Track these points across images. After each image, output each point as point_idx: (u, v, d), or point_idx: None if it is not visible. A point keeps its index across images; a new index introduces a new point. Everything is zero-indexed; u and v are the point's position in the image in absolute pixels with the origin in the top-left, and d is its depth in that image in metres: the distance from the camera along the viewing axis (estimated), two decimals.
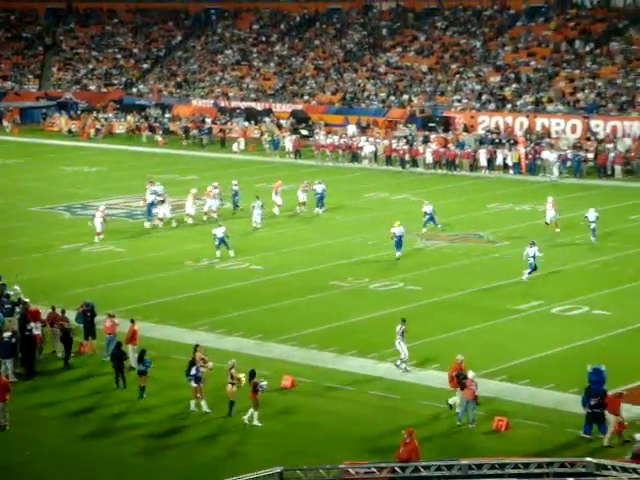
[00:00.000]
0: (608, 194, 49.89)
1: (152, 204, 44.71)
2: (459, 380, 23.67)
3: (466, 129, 64.61)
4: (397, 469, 18.90)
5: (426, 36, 79.02)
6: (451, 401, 23.97)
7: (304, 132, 68.52)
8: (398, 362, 26.73)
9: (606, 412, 22.36)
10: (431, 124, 65.81)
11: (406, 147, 59.62)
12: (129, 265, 38.36)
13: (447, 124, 65.99)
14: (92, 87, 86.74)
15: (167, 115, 77.07)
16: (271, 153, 64.62)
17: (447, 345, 28.45)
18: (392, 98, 72.13)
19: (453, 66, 73.72)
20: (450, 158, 57.77)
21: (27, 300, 29.62)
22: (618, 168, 54.50)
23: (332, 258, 38.54)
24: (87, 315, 29.04)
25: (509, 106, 66.76)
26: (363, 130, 66.67)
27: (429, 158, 58.20)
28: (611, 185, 52.28)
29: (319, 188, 46.81)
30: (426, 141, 61.48)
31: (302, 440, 23.10)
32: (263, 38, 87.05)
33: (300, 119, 71.30)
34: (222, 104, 77.29)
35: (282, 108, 74.77)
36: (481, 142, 60.97)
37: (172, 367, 27.22)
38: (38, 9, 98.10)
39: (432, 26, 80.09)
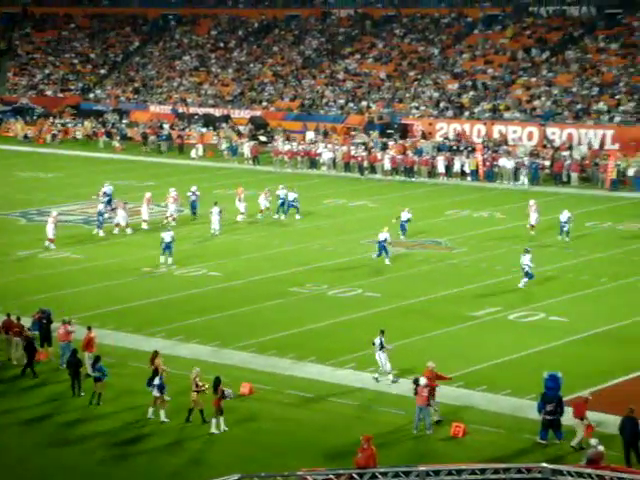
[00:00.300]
0: (564, 201, 50.28)
1: (101, 213, 44.44)
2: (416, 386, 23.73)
3: (424, 136, 64.92)
4: (355, 476, 18.89)
5: (384, 43, 79.33)
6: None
7: (263, 138, 68.51)
8: (376, 375, 26.46)
9: (574, 418, 22.46)
10: (389, 131, 66.08)
11: (364, 154, 59.80)
12: (86, 272, 38.08)
13: (405, 131, 66.28)
14: (48, 92, 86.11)
15: (125, 121, 76.70)
16: (229, 159, 64.53)
17: (405, 352, 28.50)
18: (351, 105, 72.33)
19: (411, 73, 74.07)
20: (408, 165, 58.01)
21: None
22: (574, 175, 55.00)
23: (291, 264, 38.53)
24: (43, 322, 28.78)
25: (467, 113, 67.18)
26: (325, 135, 66.77)
27: (387, 165, 58.42)
28: (567, 192, 52.77)
29: (282, 193, 46.83)
30: (384, 148, 61.72)
31: (261, 447, 23.05)
32: (221, 44, 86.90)
33: (259, 125, 71.28)
34: (180, 110, 77.07)
35: (240, 114, 74.68)
36: (439, 149, 61.30)
37: (129, 374, 27.08)
38: None
39: (390, 33, 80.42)
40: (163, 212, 46.64)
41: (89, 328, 27.72)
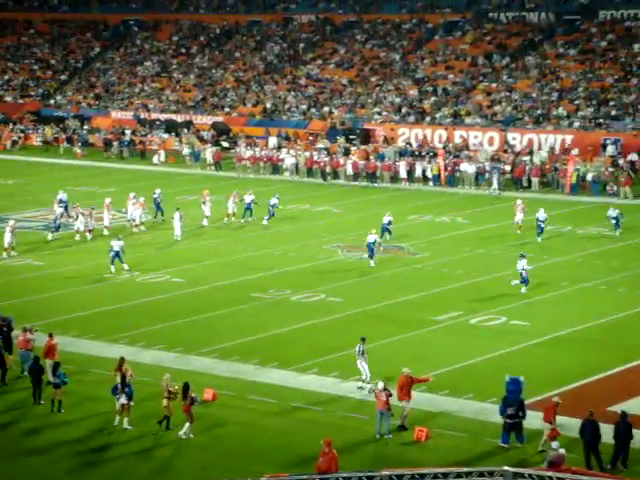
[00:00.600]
0: (526, 206, 50.64)
1: (57, 218, 44.40)
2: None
3: (386, 141, 65.18)
4: None
5: (346, 49, 79.56)
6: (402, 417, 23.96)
7: (225, 144, 68.47)
8: (360, 383, 26.36)
9: (543, 422, 22.59)
10: (351, 136, 66.29)
11: (327, 159, 59.94)
12: (47, 278, 37.86)
13: (367, 136, 66.51)
14: (8, 98, 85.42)
15: (86, 127, 76.32)
16: (192, 165, 64.42)
17: (368, 356, 28.59)
18: (313, 110, 72.46)
19: (373, 79, 74.33)
20: (371, 170, 58.22)
21: None
22: (535, 180, 55.45)
23: (254, 270, 38.54)
24: (3, 330, 28.56)
25: (428, 119, 67.53)
26: (290, 140, 66.87)
27: (350, 170, 58.60)
28: (528, 197, 53.10)
29: (248, 199, 46.84)
30: (347, 153, 61.91)
31: (225, 453, 23.03)
32: (183, 50, 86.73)
33: (221, 131, 71.23)
34: (142, 116, 76.80)
35: (203, 120, 74.56)
36: (401, 154, 61.56)
37: (91, 381, 26.97)
38: None
39: (352, 39, 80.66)
40: (125, 218, 46.51)
41: (50, 335, 27.56)
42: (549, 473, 17.92)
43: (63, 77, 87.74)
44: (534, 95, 66.73)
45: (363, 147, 63.45)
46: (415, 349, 29.48)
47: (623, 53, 68.28)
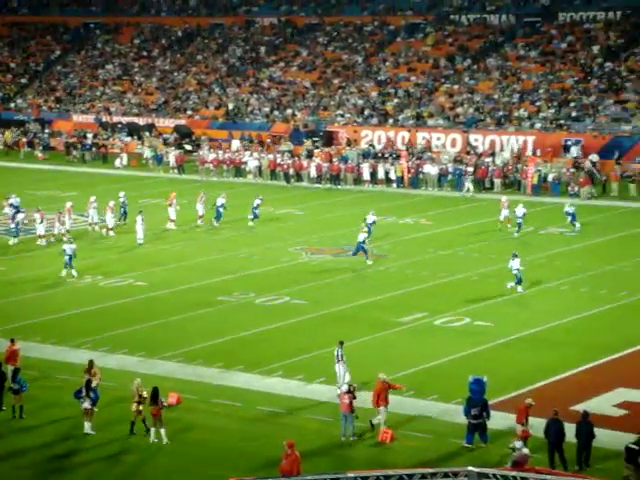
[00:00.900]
0: (487, 207, 50.99)
1: (18, 223, 44.10)
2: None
3: (349, 143, 65.28)
4: None
5: (308, 51, 79.61)
6: (375, 420, 23.84)
7: (188, 147, 68.28)
8: (338, 389, 26.01)
9: (516, 423, 22.63)
10: (315, 139, 66.32)
11: (290, 161, 59.94)
12: (9, 283, 37.54)
13: (330, 139, 66.58)
14: None
15: (47, 130, 75.80)
16: (154, 168, 64.19)
17: (333, 359, 28.61)
18: (276, 113, 72.42)
19: (335, 81, 74.44)
20: (334, 172, 58.28)
21: None
22: (497, 181, 55.77)
23: (218, 273, 38.44)
24: None
25: (391, 121, 67.71)
26: (260, 143, 66.84)
27: (313, 172, 58.63)
28: (490, 198, 53.43)
29: (219, 202, 46.92)
30: (310, 156, 61.95)
31: (189, 458, 22.93)
32: (144, 53, 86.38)
33: (183, 134, 71.03)
34: (104, 119, 76.40)
35: (165, 123, 74.30)
36: (364, 156, 61.68)
37: (54, 387, 26.75)
38: None
39: (314, 41, 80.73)
40: (87, 222, 46.28)
41: (12, 340, 27.32)
42: (513, 473, 17.99)
43: (23, 80, 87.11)
44: (496, 97, 67.14)
45: (326, 149, 63.53)
46: (379, 351, 29.51)
47: (583, 55, 68.89)
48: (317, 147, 64.40)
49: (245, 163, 61.19)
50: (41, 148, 70.82)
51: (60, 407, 25.34)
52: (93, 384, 24.36)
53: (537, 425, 22.72)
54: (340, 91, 72.94)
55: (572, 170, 55.60)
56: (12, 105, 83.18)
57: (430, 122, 66.37)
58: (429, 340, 30.54)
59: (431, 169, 56.95)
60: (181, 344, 30.18)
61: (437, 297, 35.00)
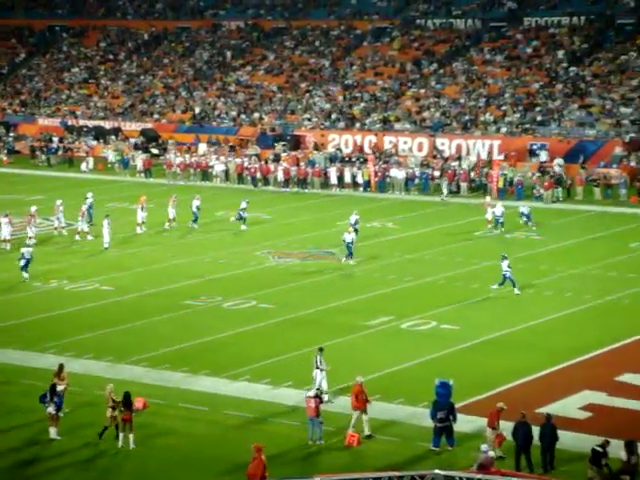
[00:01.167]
0: (455, 210, 51.28)
1: None
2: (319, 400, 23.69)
3: (316, 147, 65.36)
4: None
5: (275, 55, 79.64)
6: (366, 431, 23.67)
7: (155, 151, 68.08)
8: (326, 396, 25.86)
9: (487, 427, 22.70)
10: (282, 142, 66.34)
11: (257, 165, 59.91)
12: None
13: (298, 142, 66.63)
14: None
15: (12, 134, 75.29)
16: (121, 172, 63.94)
17: (300, 362, 28.66)
18: (243, 117, 72.36)
19: (302, 85, 74.51)
20: (301, 176, 58.32)
21: None
22: (464, 185, 56.03)
23: (184, 277, 38.35)
24: None
25: (358, 125, 67.87)
26: (220, 147, 66.73)
27: (280, 176, 58.64)
28: (457, 202, 53.71)
29: (195, 204, 46.93)
30: (277, 159, 61.96)
31: (156, 462, 22.86)
32: (110, 56, 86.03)
33: (150, 138, 70.80)
34: (70, 123, 76.01)
35: (131, 127, 74.03)
36: (331, 160, 61.76)
37: (19, 392, 26.55)
38: None
39: (281, 45, 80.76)
40: (52, 226, 46.03)
41: None
42: (479, 476, 18.15)
43: None
44: (462, 101, 67.48)
45: (293, 153, 63.57)
46: (346, 354, 29.55)
47: (548, 59, 69.39)
48: (285, 151, 64.37)
49: (212, 167, 61.10)
50: (6, 152, 70.34)
51: (26, 412, 25.15)
52: (59, 388, 24.21)
53: (505, 428, 22.83)
54: (307, 95, 73.02)
55: (537, 174, 55.96)
56: None
57: (397, 126, 66.58)
58: (396, 344, 30.63)
59: (398, 173, 57.13)
60: (147, 349, 30.08)
61: (404, 301, 35.11)
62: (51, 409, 23.88)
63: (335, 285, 37.38)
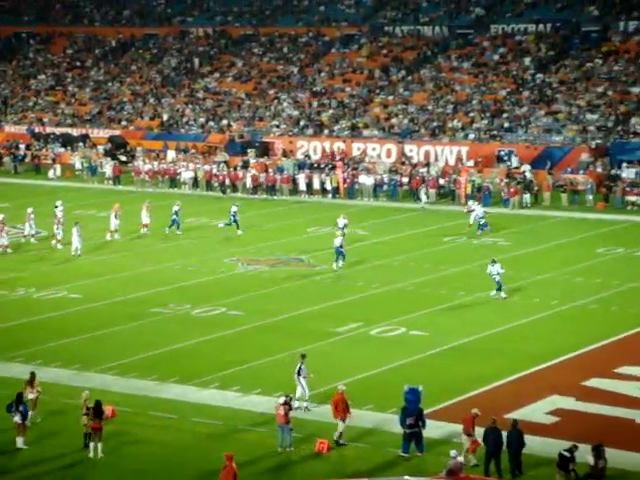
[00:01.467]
0: (423, 217, 51.45)
1: None
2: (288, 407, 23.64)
3: (285, 154, 65.38)
4: None
5: (243, 62, 79.61)
6: (336, 436, 23.70)
7: (123, 158, 67.83)
8: (305, 403, 25.87)
9: (463, 434, 22.76)
10: (250, 149, 66.29)
11: (226, 172, 59.84)
12: None
13: (266, 149, 66.61)
14: None
15: None
16: (88, 179, 63.66)
17: (270, 369, 28.70)
18: (211, 123, 72.26)
19: (271, 92, 74.51)
20: (270, 183, 58.31)
21: None
22: (432, 192, 56.20)
23: (153, 285, 38.22)
24: None
25: (327, 131, 67.97)
26: (187, 154, 66.59)
27: (249, 183, 58.61)
28: (426, 208, 53.80)
29: (174, 209, 46.98)
30: (246, 166, 61.91)
31: (125, 471, 22.76)
32: (78, 63, 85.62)
33: (118, 145, 70.52)
34: (36, 130, 75.59)
35: (99, 134, 73.72)
36: (300, 167, 61.79)
37: None
38: None
39: (249, 52, 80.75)
40: (22, 234, 45.75)
41: None
42: None
43: None
44: (430, 108, 67.74)
45: (262, 160, 63.55)
46: (316, 361, 29.41)
47: (515, 66, 69.82)
48: (256, 158, 64.27)
49: (180, 174, 60.96)
50: None
51: None
52: (30, 397, 24.04)
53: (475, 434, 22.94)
54: (275, 102, 73.03)
55: (505, 180, 56.27)
56: None
57: (365, 133, 66.73)
58: (365, 350, 30.68)
59: (366, 179, 57.25)
60: (115, 356, 29.95)
61: (373, 307, 35.18)
62: (17, 418, 23.70)
63: (304, 292, 37.40)
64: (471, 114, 65.95)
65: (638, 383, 27.25)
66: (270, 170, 60.59)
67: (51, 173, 64.81)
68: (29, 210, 45.84)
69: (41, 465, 22.99)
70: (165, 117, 74.27)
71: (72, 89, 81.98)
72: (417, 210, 53.34)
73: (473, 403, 24.82)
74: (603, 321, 33.34)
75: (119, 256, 43.40)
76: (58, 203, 47.08)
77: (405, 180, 57.79)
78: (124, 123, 75.22)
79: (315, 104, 71.60)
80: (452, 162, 61.35)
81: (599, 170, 57.70)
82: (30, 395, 24.37)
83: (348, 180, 57.54)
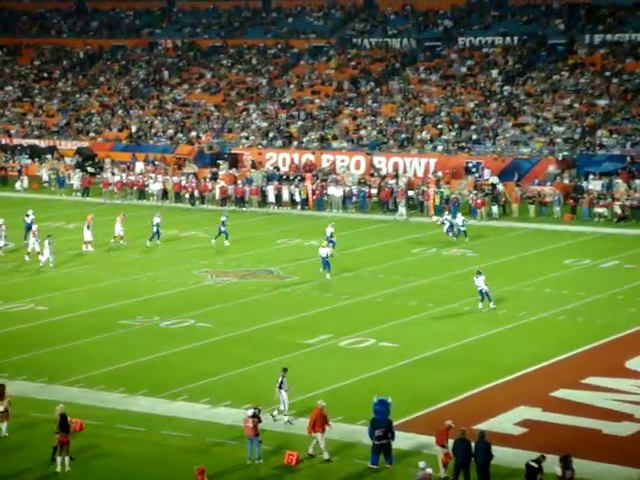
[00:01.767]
0: (393, 228, 51.57)
1: None
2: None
3: (254, 166, 65.36)
4: None
5: (212, 73, 79.57)
6: (310, 450, 23.62)
7: (91, 170, 67.54)
8: (275, 412, 25.72)
9: (436, 445, 22.72)
10: (219, 161, 66.24)
11: (194, 184, 59.72)
12: None
13: (235, 161, 66.57)
14: None
15: None
16: (56, 191, 63.33)
17: (239, 381, 28.62)
18: (180, 135, 72.14)
19: (240, 103, 74.53)
20: (239, 194, 58.25)
21: None
22: (402, 203, 56.28)
23: (121, 297, 38.03)
24: None
25: (295, 143, 68.03)
26: (155, 165, 66.40)
27: (218, 194, 58.51)
28: (392, 219, 53.92)
29: (155, 221, 47.02)
30: (215, 178, 61.82)
31: None
32: (45, 74, 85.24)
33: (86, 156, 70.23)
34: (3, 141, 75.13)
35: (67, 145, 73.37)
36: (269, 178, 61.79)
37: None
38: None
39: (218, 64, 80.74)
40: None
41: None
42: None
43: None
44: (398, 119, 68.00)
45: (231, 171, 63.50)
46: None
47: (482, 78, 70.28)
48: (223, 169, 64.21)
49: (148, 186, 60.78)
50: None
51: None
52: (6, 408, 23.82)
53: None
54: (244, 113, 73.04)
55: (474, 192, 56.54)
56: None
57: (334, 144, 66.86)
58: (334, 361, 30.67)
59: (335, 191, 57.35)
60: (82, 369, 29.75)
61: (342, 318, 35.19)
62: None
63: (274, 303, 37.35)
64: (439, 126, 66.26)
65: (605, 394, 27.40)
66: (239, 181, 60.54)
67: (18, 185, 64.44)
68: (0, 221, 45.66)
69: (8, 479, 22.78)
70: (134, 129, 74.07)
71: (39, 100, 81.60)
72: (387, 221, 53.47)
73: (443, 414, 24.88)
74: (570, 332, 33.53)
75: (88, 268, 43.18)
76: (29, 212, 46.87)
77: (374, 192, 57.92)
78: (92, 135, 74.94)
79: (284, 116, 71.67)
80: (421, 174, 61.60)
81: (566, 182, 58.12)
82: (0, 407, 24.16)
83: (317, 192, 57.61)
